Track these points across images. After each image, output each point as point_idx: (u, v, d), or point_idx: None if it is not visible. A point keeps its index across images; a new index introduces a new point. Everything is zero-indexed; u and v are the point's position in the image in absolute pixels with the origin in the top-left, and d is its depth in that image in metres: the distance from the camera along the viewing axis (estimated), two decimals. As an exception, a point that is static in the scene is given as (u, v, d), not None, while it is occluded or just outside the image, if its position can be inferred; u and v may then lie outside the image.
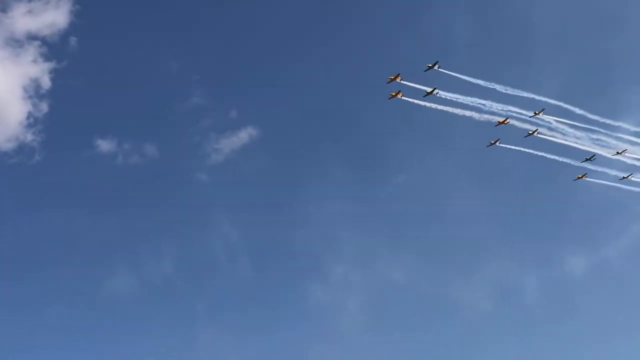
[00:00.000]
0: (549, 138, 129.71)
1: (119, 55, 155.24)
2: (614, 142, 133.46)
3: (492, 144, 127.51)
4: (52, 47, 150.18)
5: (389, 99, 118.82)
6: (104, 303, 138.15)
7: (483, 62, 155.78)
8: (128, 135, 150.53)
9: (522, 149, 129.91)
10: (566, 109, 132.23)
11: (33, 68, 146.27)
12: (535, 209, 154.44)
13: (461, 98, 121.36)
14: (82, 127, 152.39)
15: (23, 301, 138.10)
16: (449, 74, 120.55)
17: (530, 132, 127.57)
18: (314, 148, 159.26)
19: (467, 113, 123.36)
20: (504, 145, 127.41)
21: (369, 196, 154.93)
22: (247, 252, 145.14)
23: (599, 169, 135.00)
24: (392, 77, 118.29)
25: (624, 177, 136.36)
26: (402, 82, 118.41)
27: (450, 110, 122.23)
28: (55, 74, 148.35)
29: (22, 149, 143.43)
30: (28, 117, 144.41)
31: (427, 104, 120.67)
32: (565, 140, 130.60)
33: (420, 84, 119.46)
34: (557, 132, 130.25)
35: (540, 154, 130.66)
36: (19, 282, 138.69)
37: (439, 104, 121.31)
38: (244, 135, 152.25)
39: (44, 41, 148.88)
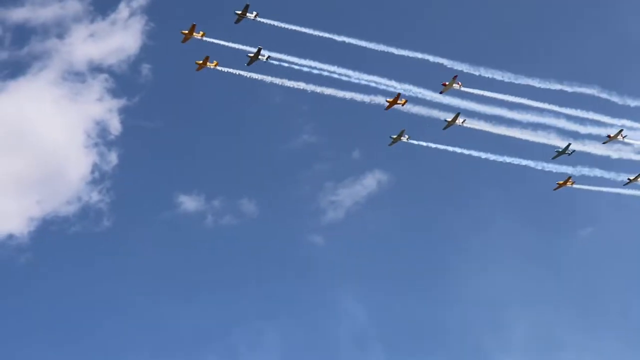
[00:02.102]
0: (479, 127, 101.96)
1: (206, 86, 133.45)
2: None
3: (394, 140, 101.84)
4: (121, 79, 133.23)
5: (197, 70, 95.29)
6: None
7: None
8: (219, 189, 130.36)
9: (440, 146, 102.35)
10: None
11: (98, 108, 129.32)
12: None
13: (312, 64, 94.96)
14: (161, 181, 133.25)
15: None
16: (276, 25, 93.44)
17: (448, 119, 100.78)
18: (467, 194, 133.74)
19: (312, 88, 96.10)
20: (412, 142, 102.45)
21: (547, 257, 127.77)
22: (380, 337, 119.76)
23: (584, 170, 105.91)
24: (186, 32, 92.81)
25: (629, 180, 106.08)
26: (204, 39, 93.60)
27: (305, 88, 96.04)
28: (126, 114, 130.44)
29: (86, 212, 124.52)
30: (93, 171, 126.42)
31: (254, 76, 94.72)
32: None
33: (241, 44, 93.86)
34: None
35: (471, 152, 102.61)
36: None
37: (273, 75, 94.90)
38: (370, 182, 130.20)
39: (110, 72, 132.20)
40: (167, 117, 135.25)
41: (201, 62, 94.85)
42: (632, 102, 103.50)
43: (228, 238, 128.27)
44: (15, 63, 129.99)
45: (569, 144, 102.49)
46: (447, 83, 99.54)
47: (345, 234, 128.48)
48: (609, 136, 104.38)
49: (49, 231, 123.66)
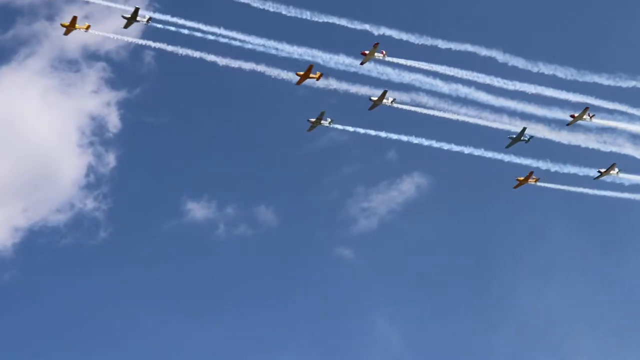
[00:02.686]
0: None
1: (217, 76, 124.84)
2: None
3: (313, 124, 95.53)
4: (120, 68, 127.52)
5: (65, 34, 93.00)
6: None
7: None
8: (231, 194, 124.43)
9: (370, 132, 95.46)
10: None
11: (94, 101, 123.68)
12: None
13: None
14: (166, 185, 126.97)
15: None
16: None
17: (374, 98, 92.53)
18: (519, 199, 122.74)
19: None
20: (336, 126, 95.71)
21: (613, 273, 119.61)
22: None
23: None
24: None
25: (600, 173, 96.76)
26: None
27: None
28: (126, 109, 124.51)
29: (79, 222, 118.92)
30: (87, 174, 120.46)
31: (137, 42, 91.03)
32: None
33: None
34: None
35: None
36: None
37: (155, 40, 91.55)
38: (408, 186, 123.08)
39: (108, 60, 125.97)
40: (173, 112, 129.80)
41: (67, 23, 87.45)
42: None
43: (243, 251, 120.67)
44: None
45: (524, 128, 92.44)
46: (367, 52, 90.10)
47: (379, 246, 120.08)
48: (572, 116, 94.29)
49: (37, 244, 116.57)
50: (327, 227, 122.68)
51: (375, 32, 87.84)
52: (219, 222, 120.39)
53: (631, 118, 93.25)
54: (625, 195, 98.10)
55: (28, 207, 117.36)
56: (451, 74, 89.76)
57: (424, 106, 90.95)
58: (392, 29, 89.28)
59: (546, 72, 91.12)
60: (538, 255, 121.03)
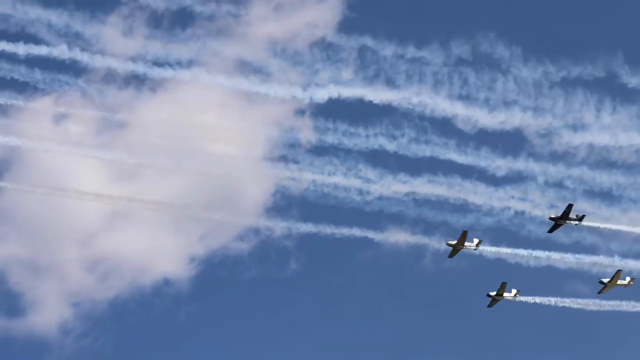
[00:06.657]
0: None
1: None
2: None
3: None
4: None
5: None
6: None
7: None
8: None
9: None
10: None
11: (284, 107, 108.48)
12: None
13: None
14: None
15: None
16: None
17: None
18: None
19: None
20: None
21: None
22: None
23: None
24: None
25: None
26: None
27: None
28: (320, 118, 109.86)
29: (265, 252, 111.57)
30: (275, 194, 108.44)
31: None
32: None
33: None
34: None
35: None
36: None
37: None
38: None
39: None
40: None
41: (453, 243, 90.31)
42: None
43: (453, 284, 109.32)
44: (174, 48, 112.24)
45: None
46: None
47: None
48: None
49: (216, 276, 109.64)
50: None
51: None
52: (426, 250, 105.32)
53: None
54: None
55: (206, 233, 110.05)
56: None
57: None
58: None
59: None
60: None
